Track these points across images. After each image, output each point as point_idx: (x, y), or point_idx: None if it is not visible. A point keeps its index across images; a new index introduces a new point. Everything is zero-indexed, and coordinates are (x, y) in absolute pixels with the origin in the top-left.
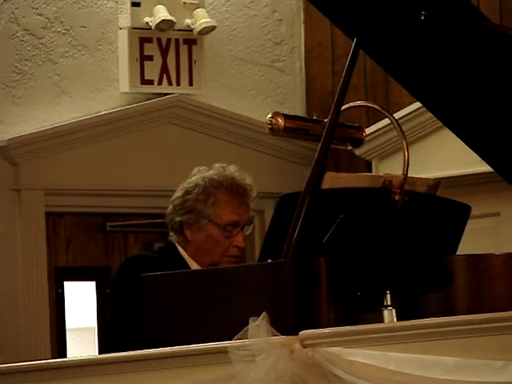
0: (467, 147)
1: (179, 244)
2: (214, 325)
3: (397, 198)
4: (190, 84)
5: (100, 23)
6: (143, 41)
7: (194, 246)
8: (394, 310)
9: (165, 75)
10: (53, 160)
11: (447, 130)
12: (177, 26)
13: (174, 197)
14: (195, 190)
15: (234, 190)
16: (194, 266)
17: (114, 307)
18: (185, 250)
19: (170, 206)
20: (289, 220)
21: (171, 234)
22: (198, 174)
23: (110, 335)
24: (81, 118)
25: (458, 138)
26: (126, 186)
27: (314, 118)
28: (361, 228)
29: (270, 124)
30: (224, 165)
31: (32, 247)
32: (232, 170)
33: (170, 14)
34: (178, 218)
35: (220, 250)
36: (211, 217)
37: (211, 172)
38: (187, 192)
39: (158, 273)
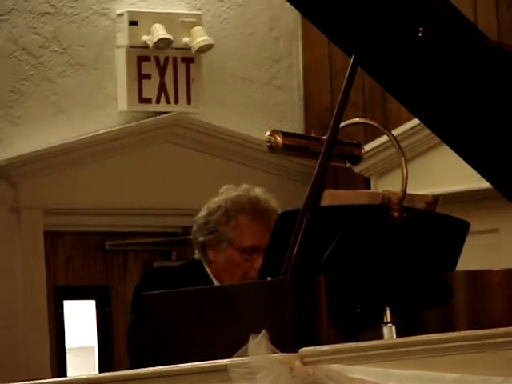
0: (466, 163)
1: (204, 262)
2: (214, 342)
3: (396, 214)
4: (188, 102)
5: (98, 42)
6: (141, 59)
7: (216, 266)
8: (393, 327)
9: (163, 93)
10: (52, 179)
11: (446, 146)
12: (174, 45)
13: (198, 216)
14: (218, 212)
15: (257, 214)
16: (216, 282)
17: (135, 315)
18: (210, 269)
19: (194, 226)
20: (288, 237)
21: (196, 251)
22: (223, 195)
23: (129, 343)
24: (79, 137)
25: (456, 155)
26: (125, 204)
27: (313, 135)
28: (360, 245)
29: (269, 142)
30: (251, 186)
31: (31, 266)
32: (257, 192)
33: (167, 32)
34: (201, 238)
35: (240, 273)
36: (232, 240)
37: (235, 194)
38: (210, 213)
39: (159, 291)
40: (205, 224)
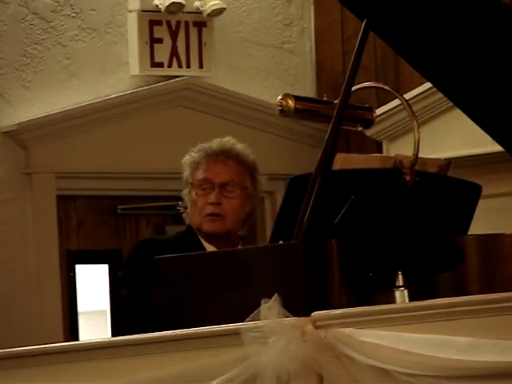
0: (478, 127)
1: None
2: (226, 307)
3: (408, 178)
4: (200, 66)
5: (109, 6)
6: (153, 23)
7: (189, 219)
8: (405, 291)
9: (175, 58)
10: (63, 143)
11: (458, 110)
12: (186, 9)
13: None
14: (184, 167)
15: (213, 151)
16: (208, 247)
17: (127, 290)
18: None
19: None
20: (300, 201)
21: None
22: None
23: (122, 318)
24: (91, 101)
25: (468, 118)
26: (136, 168)
27: (325, 99)
28: (372, 209)
29: (281, 106)
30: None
31: (43, 231)
32: (225, 139)
33: None
34: (182, 199)
35: (198, 211)
36: (190, 180)
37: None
38: (183, 170)
39: (171, 255)
40: (183, 183)
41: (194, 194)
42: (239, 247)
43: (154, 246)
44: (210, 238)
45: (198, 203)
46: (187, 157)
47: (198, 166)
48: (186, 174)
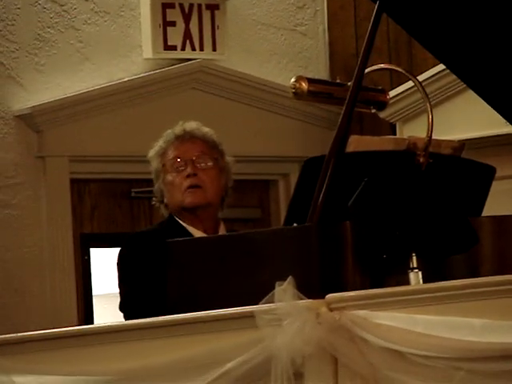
0: (491, 109)
1: (174, 214)
2: (240, 289)
3: (421, 160)
4: (214, 49)
5: None
6: (166, 6)
7: (170, 205)
8: (420, 273)
9: (188, 41)
10: (77, 127)
11: (471, 91)
12: None
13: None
14: (152, 161)
15: (177, 135)
16: (194, 231)
17: (125, 286)
18: (179, 218)
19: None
20: (314, 184)
21: (166, 212)
22: None
23: (125, 313)
24: (104, 84)
25: (482, 100)
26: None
27: (338, 81)
28: (386, 191)
29: (294, 88)
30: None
31: (57, 214)
32: (186, 123)
33: None
34: (157, 192)
35: (176, 190)
36: (160, 167)
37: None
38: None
39: (185, 238)
40: (153, 178)
41: (168, 176)
42: (221, 230)
43: (141, 239)
44: (193, 212)
45: (175, 182)
46: (151, 150)
47: (166, 152)
48: (155, 164)
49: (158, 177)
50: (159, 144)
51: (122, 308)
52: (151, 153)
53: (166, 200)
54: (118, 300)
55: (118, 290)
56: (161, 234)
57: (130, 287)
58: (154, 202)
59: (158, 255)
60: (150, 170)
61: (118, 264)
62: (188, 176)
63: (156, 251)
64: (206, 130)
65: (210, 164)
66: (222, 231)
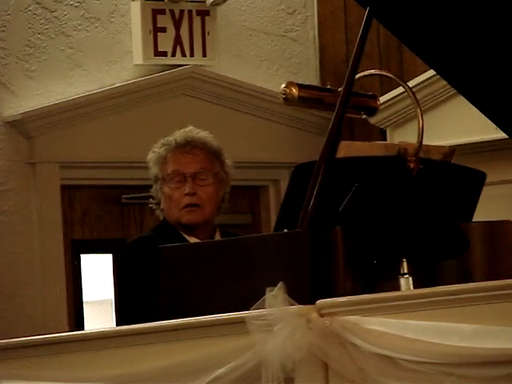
0: (482, 114)
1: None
2: (231, 295)
3: (412, 165)
4: (204, 55)
5: None
6: (156, 12)
7: (165, 214)
8: (410, 278)
9: (178, 47)
10: (67, 133)
11: (461, 97)
12: None
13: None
14: (153, 161)
15: (178, 143)
16: (189, 238)
17: (123, 292)
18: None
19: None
20: (304, 189)
21: (162, 215)
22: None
23: (121, 319)
24: (95, 90)
25: (472, 105)
26: (141, 158)
27: (328, 87)
28: (376, 196)
29: (284, 94)
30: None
31: (48, 220)
32: (188, 129)
33: None
34: (153, 196)
35: (174, 205)
36: (160, 176)
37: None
38: (149, 167)
39: (175, 244)
40: (151, 181)
41: (166, 188)
42: (217, 236)
43: (142, 245)
44: (190, 229)
45: (174, 197)
46: (151, 154)
47: (166, 161)
48: (154, 170)
49: (156, 182)
50: (159, 150)
51: (119, 313)
52: (150, 157)
53: (162, 207)
54: (109, 306)
55: (108, 297)
56: (157, 240)
57: (128, 293)
58: (151, 205)
59: (155, 261)
60: (148, 172)
61: (117, 270)
62: (187, 194)
63: (153, 257)
64: (207, 138)
65: (209, 180)
66: (217, 238)
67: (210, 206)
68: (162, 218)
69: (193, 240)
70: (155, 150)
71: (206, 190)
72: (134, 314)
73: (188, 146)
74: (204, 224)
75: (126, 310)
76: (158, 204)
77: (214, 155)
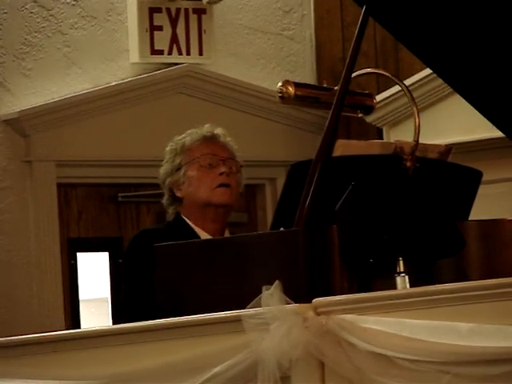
0: (478, 113)
1: (182, 213)
2: (227, 294)
3: (408, 164)
4: (200, 54)
5: None
6: (152, 11)
7: (187, 200)
8: (406, 277)
9: (175, 45)
10: (64, 131)
11: (458, 95)
12: None
13: (160, 179)
14: (172, 152)
15: (205, 135)
16: (201, 232)
17: (127, 283)
18: (188, 218)
19: (159, 181)
20: (300, 188)
21: (169, 210)
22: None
23: (125, 311)
24: (91, 89)
25: (468, 104)
26: (137, 156)
27: (325, 85)
28: (373, 195)
29: (281, 92)
30: None
31: (44, 219)
32: (206, 126)
33: None
34: (166, 187)
35: (206, 184)
36: (186, 160)
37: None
38: (167, 160)
39: (171, 242)
40: (165, 171)
41: (195, 170)
42: (226, 233)
43: (149, 237)
44: (215, 210)
45: (205, 178)
46: (172, 145)
47: (192, 149)
48: (177, 159)
49: (173, 172)
50: (182, 141)
51: (122, 305)
52: (171, 146)
53: (181, 194)
54: (106, 304)
55: (105, 295)
56: (167, 234)
57: (132, 286)
58: (165, 202)
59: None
60: (163, 166)
61: (123, 261)
62: (221, 174)
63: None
64: (230, 139)
65: (235, 169)
66: (226, 235)
67: (236, 193)
68: (171, 218)
69: (203, 235)
70: (176, 141)
71: (234, 176)
72: (134, 307)
73: (216, 138)
74: (228, 208)
75: (127, 302)
76: (173, 197)
77: (234, 154)
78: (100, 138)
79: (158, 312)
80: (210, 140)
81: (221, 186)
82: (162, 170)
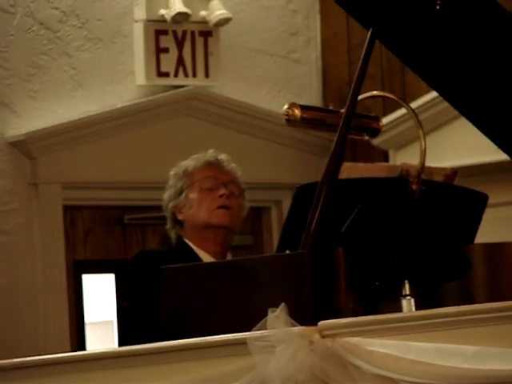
0: (484, 136)
1: (184, 236)
2: (233, 316)
3: (414, 187)
4: (206, 76)
5: (115, 16)
6: (159, 33)
7: (188, 223)
8: (412, 300)
9: (181, 67)
10: (70, 154)
11: (464, 119)
12: (192, 19)
13: (163, 205)
14: (176, 176)
15: (207, 160)
16: (203, 255)
17: (128, 302)
18: (190, 240)
19: (164, 208)
20: (306, 211)
21: (172, 233)
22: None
23: (125, 330)
24: (97, 111)
25: (474, 127)
26: (143, 178)
27: (331, 108)
28: (379, 218)
29: (287, 115)
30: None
31: (50, 241)
32: (209, 151)
33: (185, 6)
34: (168, 211)
35: (206, 205)
36: (188, 183)
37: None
38: (170, 184)
39: (177, 265)
40: (168, 196)
41: (195, 193)
42: (228, 256)
43: (151, 258)
44: (215, 231)
45: (205, 200)
46: (175, 170)
47: (194, 173)
48: (179, 183)
49: (176, 196)
50: (186, 164)
51: (123, 324)
52: (175, 171)
53: (182, 217)
54: (111, 327)
55: (110, 317)
56: (169, 256)
57: (132, 305)
58: (168, 226)
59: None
60: (166, 191)
61: (125, 280)
62: (221, 196)
63: (160, 272)
64: (226, 157)
65: (237, 193)
66: (228, 258)
67: (237, 215)
68: (174, 241)
69: (205, 257)
70: (179, 166)
71: (235, 200)
72: (134, 326)
73: (218, 163)
74: (228, 231)
75: (127, 321)
76: (176, 220)
77: (238, 180)
78: (106, 160)
79: (162, 334)
80: (213, 164)
81: (220, 207)
82: (166, 195)
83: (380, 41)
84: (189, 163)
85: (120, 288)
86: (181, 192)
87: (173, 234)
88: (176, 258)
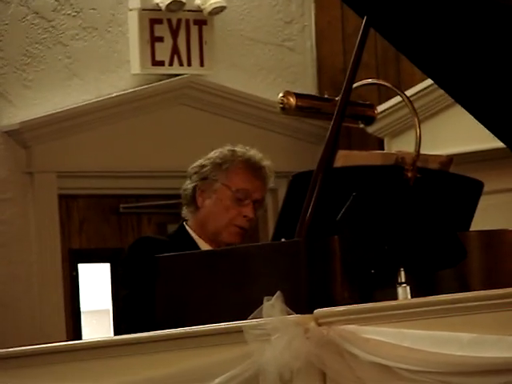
0: (479, 123)
1: (187, 224)
2: (229, 305)
3: (409, 175)
4: (201, 65)
5: (110, 5)
6: (153, 22)
7: (203, 212)
8: (408, 287)
9: (176, 56)
10: (65, 142)
11: (459, 106)
12: (187, 7)
13: (190, 168)
14: (211, 162)
15: (250, 165)
16: (203, 245)
17: (125, 289)
18: (193, 229)
19: (187, 180)
20: (302, 199)
21: (183, 208)
22: (218, 151)
23: (123, 318)
24: (92, 100)
25: (469, 115)
26: (138, 167)
27: (326, 96)
28: (374, 205)
29: (282, 103)
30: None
31: (45, 230)
32: (253, 151)
33: None
34: (190, 185)
35: (227, 217)
36: (224, 180)
37: (231, 149)
38: (203, 165)
39: (173, 253)
40: (198, 172)
41: (227, 196)
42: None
43: (149, 245)
44: (221, 244)
45: (230, 210)
46: (216, 153)
47: (236, 174)
48: (208, 169)
49: (202, 177)
50: (225, 153)
51: (121, 311)
52: (214, 155)
53: (200, 204)
54: (107, 316)
55: (106, 306)
56: (168, 244)
57: (129, 292)
58: (182, 201)
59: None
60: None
61: (122, 267)
62: (245, 217)
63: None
64: (269, 164)
65: (259, 212)
66: None
67: (248, 232)
68: (184, 222)
69: (204, 247)
70: (226, 151)
71: (254, 218)
72: (131, 313)
73: (261, 171)
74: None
75: (124, 308)
76: (194, 201)
77: (269, 184)
78: (101, 149)
79: (159, 323)
80: (254, 173)
81: (238, 226)
82: (195, 169)
83: (374, 29)
84: (226, 154)
85: (116, 276)
86: (207, 176)
87: (184, 215)
88: (175, 246)
